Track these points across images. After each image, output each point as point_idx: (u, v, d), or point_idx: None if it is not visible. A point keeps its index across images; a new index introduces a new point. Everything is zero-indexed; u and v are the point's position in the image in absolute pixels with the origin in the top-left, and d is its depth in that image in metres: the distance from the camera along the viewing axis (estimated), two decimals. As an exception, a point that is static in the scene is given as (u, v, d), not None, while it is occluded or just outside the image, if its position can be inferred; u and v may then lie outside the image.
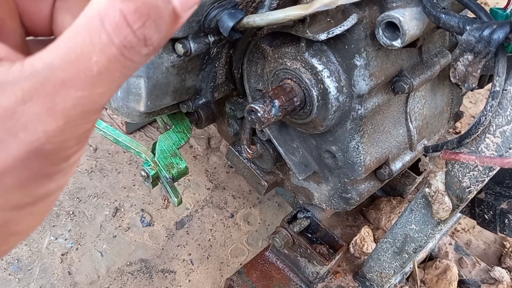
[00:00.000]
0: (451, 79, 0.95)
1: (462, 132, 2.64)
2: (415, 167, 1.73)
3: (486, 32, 0.85)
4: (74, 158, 0.48)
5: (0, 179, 0.43)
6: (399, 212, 2.00)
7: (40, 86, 0.41)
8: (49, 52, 0.42)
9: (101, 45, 0.41)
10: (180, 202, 1.52)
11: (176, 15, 0.44)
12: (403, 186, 2.04)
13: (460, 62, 0.91)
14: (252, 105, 1.11)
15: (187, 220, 2.27)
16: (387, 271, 1.53)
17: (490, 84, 1.21)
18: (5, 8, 0.49)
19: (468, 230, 2.35)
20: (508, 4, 1.16)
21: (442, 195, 1.16)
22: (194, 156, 2.54)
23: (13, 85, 0.41)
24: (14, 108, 0.41)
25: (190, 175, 2.33)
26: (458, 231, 2.33)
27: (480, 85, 1.48)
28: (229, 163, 1.92)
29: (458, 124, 2.77)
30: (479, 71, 0.89)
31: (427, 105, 1.46)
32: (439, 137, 1.59)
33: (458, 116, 1.64)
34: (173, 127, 1.59)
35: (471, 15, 1.03)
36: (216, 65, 1.33)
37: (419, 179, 1.96)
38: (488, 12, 1.00)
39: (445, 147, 1.07)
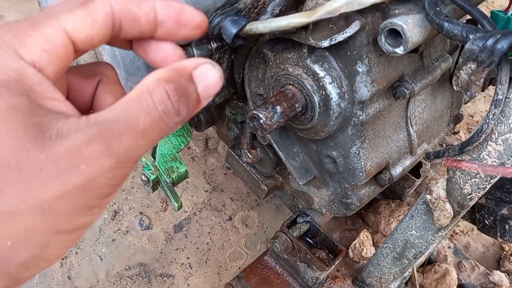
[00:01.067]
0: (454, 87, 0.94)
1: (460, 133, 2.64)
2: (414, 170, 1.73)
3: (489, 42, 0.85)
4: (110, 198, 0.60)
5: (57, 203, 0.54)
6: (398, 216, 2.00)
7: (102, 132, 0.56)
8: (108, 111, 0.58)
9: (148, 109, 0.58)
10: (180, 207, 1.52)
11: (199, 100, 0.64)
12: (402, 189, 2.04)
13: (463, 70, 0.90)
14: (255, 112, 1.11)
15: (186, 223, 2.27)
16: (387, 277, 1.52)
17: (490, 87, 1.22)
18: (59, 84, 0.64)
19: (467, 232, 2.35)
20: (509, 7, 1.16)
21: (443, 202, 1.15)
22: (192, 158, 2.55)
23: (82, 130, 0.55)
24: (81, 146, 0.54)
25: (188, 177, 2.35)
26: (456, 233, 2.33)
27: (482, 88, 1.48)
28: (227, 164, 1.91)
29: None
30: (482, 80, 0.89)
31: (428, 109, 1.46)
32: (439, 140, 1.59)
33: (458, 118, 1.64)
34: (173, 130, 1.58)
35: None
36: (218, 71, 1.33)
37: (418, 182, 1.96)
38: (489, 15, 1.00)
39: (446, 154, 1.07)
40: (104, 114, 0.57)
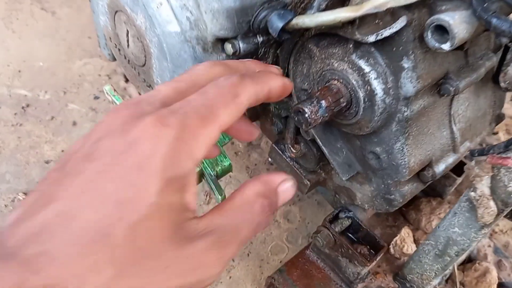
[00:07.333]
0: (501, 83, 0.94)
1: (499, 133, 2.62)
2: (455, 168, 1.72)
3: (538, 38, 0.85)
4: None
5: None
6: (439, 214, 1.99)
7: (217, 242, 0.65)
8: (220, 218, 0.68)
9: (249, 222, 0.70)
10: (224, 199, 1.53)
11: (276, 209, 0.76)
12: (442, 187, 2.03)
13: (510, 67, 0.91)
14: (300, 106, 1.12)
15: (228, 217, 2.27)
16: (428, 273, 1.52)
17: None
18: None
19: (506, 232, 2.34)
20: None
21: (488, 199, 1.15)
22: (235, 153, 2.55)
23: (204, 238, 0.64)
24: (201, 253, 0.64)
25: (232, 172, 2.36)
26: (496, 232, 2.31)
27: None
28: (270, 160, 1.92)
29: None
30: (530, 76, 0.89)
31: (471, 107, 1.45)
32: (481, 139, 1.59)
33: (499, 118, 1.63)
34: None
35: None
36: (263, 65, 1.34)
37: (459, 180, 1.95)
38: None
39: (491, 151, 1.07)
40: (217, 220, 0.67)
